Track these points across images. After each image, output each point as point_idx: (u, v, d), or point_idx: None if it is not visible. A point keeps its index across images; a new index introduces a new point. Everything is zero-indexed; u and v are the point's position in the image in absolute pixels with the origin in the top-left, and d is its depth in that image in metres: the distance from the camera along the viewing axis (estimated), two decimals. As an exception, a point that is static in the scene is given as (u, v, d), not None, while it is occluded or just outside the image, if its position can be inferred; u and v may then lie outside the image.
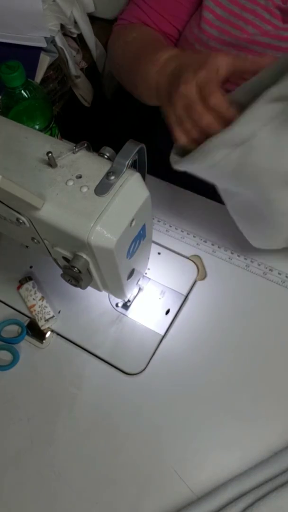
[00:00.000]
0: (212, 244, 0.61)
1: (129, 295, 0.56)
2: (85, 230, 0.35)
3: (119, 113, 1.04)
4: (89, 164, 0.37)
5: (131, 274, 0.45)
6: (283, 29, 0.57)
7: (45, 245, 0.42)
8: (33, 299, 0.57)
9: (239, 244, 0.60)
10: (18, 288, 0.59)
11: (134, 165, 0.40)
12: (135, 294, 0.57)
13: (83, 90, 0.93)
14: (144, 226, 0.41)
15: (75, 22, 0.86)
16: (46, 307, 0.57)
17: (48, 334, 0.56)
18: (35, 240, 0.42)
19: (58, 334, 0.56)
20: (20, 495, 0.49)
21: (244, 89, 0.44)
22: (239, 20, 0.58)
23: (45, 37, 0.77)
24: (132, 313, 0.57)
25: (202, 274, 0.59)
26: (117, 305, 0.57)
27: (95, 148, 0.40)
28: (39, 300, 0.57)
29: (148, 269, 0.58)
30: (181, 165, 0.46)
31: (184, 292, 0.58)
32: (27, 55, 0.76)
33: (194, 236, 0.62)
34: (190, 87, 0.42)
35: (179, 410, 0.51)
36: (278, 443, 0.49)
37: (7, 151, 0.39)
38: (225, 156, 0.42)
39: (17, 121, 0.42)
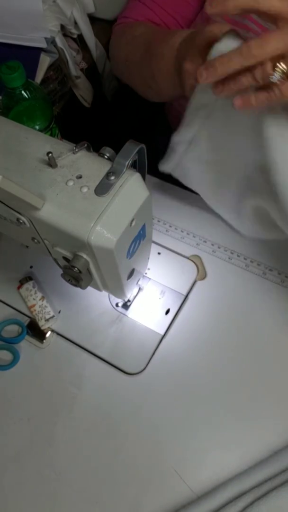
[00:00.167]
0: (212, 244, 0.61)
1: (129, 295, 0.56)
2: (85, 230, 0.35)
3: (119, 113, 1.04)
4: (89, 164, 0.38)
5: (131, 274, 0.46)
6: None
7: (45, 245, 0.42)
8: (33, 299, 0.57)
9: (239, 244, 0.60)
10: (19, 288, 0.59)
11: (134, 165, 0.40)
12: (135, 294, 0.58)
13: (83, 91, 0.93)
14: (144, 226, 0.41)
15: (75, 23, 0.86)
16: (46, 307, 0.57)
17: (48, 334, 0.56)
18: (35, 240, 0.42)
19: (58, 334, 0.56)
20: (20, 495, 0.49)
21: None
22: (245, 18, 0.57)
23: (45, 38, 0.77)
24: (132, 313, 0.57)
25: (202, 274, 0.59)
26: (117, 305, 0.58)
27: (95, 148, 0.40)
28: (39, 300, 0.57)
29: (148, 269, 0.58)
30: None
31: (184, 292, 0.58)
32: (27, 56, 0.76)
33: (194, 236, 0.62)
34: (214, 26, 0.42)
35: (179, 410, 0.51)
36: (277, 443, 0.49)
37: (7, 151, 0.39)
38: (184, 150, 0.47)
39: (17, 121, 0.42)
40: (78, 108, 0.93)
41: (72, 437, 0.51)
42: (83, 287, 0.41)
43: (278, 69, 0.37)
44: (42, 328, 0.56)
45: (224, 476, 0.48)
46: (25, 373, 0.55)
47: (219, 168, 0.52)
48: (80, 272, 0.38)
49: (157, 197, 0.65)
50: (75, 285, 0.40)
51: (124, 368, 0.54)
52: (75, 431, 0.51)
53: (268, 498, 0.44)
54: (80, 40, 0.90)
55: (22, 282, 0.59)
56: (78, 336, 0.56)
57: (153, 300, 0.58)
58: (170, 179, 0.67)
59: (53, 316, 0.56)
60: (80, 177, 0.37)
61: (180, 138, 0.50)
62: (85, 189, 0.36)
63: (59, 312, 0.58)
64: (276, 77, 0.37)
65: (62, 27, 0.82)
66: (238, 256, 0.60)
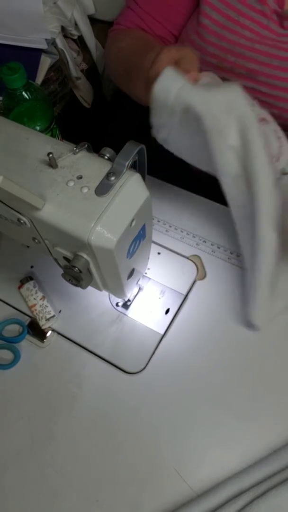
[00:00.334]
0: (212, 244, 0.61)
1: (129, 295, 0.56)
2: (86, 230, 0.35)
3: (119, 114, 1.04)
4: (89, 165, 0.38)
5: (131, 274, 0.46)
6: (282, 36, 0.56)
7: (46, 245, 0.42)
8: (34, 298, 0.58)
9: (239, 244, 0.60)
10: (19, 287, 0.59)
11: (134, 166, 0.40)
12: (135, 294, 0.58)
13: (84, 92, 0.93)
14: (144, 226, 0.41)
15: (76, 24, 0.86)
16: (47, 306, 0.57)
17: (48, 333, 0.56)
18: (36, 240, 0.42)
19: (58, 333, 0.57)
20: (21, 494, 0.49)
21: None
22: (236, 25, 0.57)
23: (45, 39, 0.77)
24: (132, 313, 0.57)
25: (201, 273, 0.60)
26: (117, 304, 0.58)
27: (95, 149, 0.40)
28: (40, 299, 0.57)
29: (148, 269, 0.59)
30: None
31: (184, 292, 0.58)
32: (28, 57, 0.77)
33: (194, 236, 0.62)
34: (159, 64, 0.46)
35: (179, 409, 0.52)
36: (277, 442, 0.49)
37: (8, 152, 0.39)
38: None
39: (18, 122, 0.42)
40: (78, 109, 0.94)
41: (72, 436, 0.51)
42: (84, 287, 0.41)
43: None
44: (43, 327, 0.56)
45: (224, 474, 0.48)
46: (26, 372, 0.55)
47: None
48: (80, 272, 0.38)
49: (157, 197, 0.65)
50: (76, 285, 0.40)
51: (124, 368, 0.54)
52: (75, 430, 0.51)
53: (267, 496, 0.44)
54: (80, 41, 0.90)
55: (22, 282, 0.59)
56: (78, 336, 0.56)
57: (153, 300, 0.58)
58: (170, 179, 0.67)
59: (53, 316, 0.57)
60: (80, 177, 0.37)
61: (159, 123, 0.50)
62: (85, 190, 0.36)
63: (60, 311, 0.58)
64: None
65: (63, 28, 0.82)
66: (237, 256, 0.60)
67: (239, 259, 0.60)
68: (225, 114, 0.44)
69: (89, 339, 0.56)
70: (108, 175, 0.36)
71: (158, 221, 0.64)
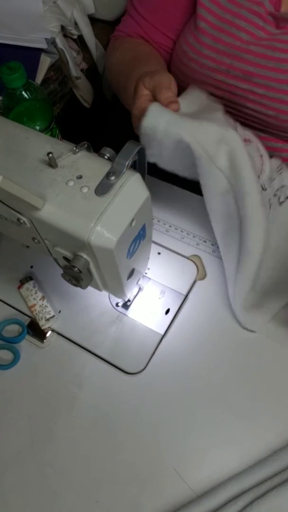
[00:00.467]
0: (212, 244, 0.61)
1: (129, 295, 0.56)
2: (86, 230, 0.35)
3: (119, 114, 1.04)
4: (89, 165, 0.38)
5: (131, 274, 0.46)
6: (278, 35, 0.57)
7: (45, 245, 0.42)
8: (34, 298, 0.57)
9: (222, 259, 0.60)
10: (19, 287, 0.59)
11: (134, 166, 0.40)
12: (135, 294, 0.58)
13: (84, 91, 0.93)
14: (144, 226, 0.41)
15: (76, 24, 0.86)
16: (47, 306, 0.57)
17: (48, 333, 0.56)
18: (36, 240, 0.42)
19: (58, 333, 0.57)
20: (21, 494, 0.49)
21: None
22: (232, 27, 0.57)
23: (45, 39, 0.77)
24: (132, 313, 0.57)
25: (201, 274, 0.60)
26: (117, 304, 0.58)
27: (95, 148, 0.40)
28: (40, 299, 0.57)
29: (148, 269, 0.59)
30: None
31: (184, 292, 0.58)
32: (27, 56, 0.76)
33: (194, 236, 0.62)
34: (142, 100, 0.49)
35: (179, 409, 0.52)
36: (277, 442, 0.49)
37: (8, 151, 0.39)
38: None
39: (17, 122, 0.42)
40: (78, 109, 0.93)
41: (72, 437, 0.51)
42: (83, 287, 0.41)
43: None
44: (43, 327, 0.56)
45: (224, 475, 0.48)
46: (26, 372, 0.55)
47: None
48: (80, 272, 0.38)
49: (157, 197, 0.65)
50: (75, 285, 0.40)
51: (124, 368, 0.54)
52: (75, 431, 0.51)
53: (268, 497, 0.44)
54: (80, 41, 0.90)
55: (22, 282, 0.59)
56: (78, 336, 0.56)
57: (153, 300, 0.58)
58: (170, 179, 0.67)
59: (53, 316, 0.57)
60: (80, 177, 0.37)
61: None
62: (85, 189, 0.36)
63: (60, 311, 0.58)
64: None
65: (63, 28, 0.82)
66: (238, 256, 0.60)
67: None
68: (213, 142, 0.46)
69: (89, 339, 0.56)
70: (108, 175, 0.36)
71: (158, 221, 0.64)
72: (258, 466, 0.47)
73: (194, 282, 0.59)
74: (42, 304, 0.57)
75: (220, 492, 0.46)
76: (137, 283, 0.54)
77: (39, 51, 0.78)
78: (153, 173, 0.61)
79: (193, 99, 0.52)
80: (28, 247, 0.48)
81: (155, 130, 0.45)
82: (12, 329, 0.57)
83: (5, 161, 0.39)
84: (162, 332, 0.56)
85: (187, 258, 0.61)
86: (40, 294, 0.58)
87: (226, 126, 0.47)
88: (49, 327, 0.57)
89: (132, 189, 0.37)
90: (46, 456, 0.50)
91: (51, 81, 0.84)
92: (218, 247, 0.61)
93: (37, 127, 0.58)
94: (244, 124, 0.63)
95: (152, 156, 0.49)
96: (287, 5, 0.56)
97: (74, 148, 0.38)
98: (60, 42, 0.81)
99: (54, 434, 0.51)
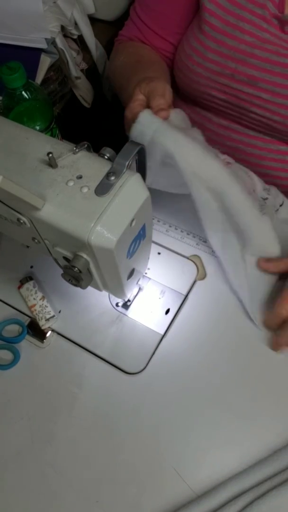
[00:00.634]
0: (212, 244, 0.61)
1: (129, 295, 0.56)
2: (86, 230, 0.35)
3: (119, 114, 1.04)
4: (89, 165, 0.38)
5: (131, 274, 0.46)
6: (283, 40, 0.56)
7: (45, 245, 0.42)
8: (34, 298, 0.57)
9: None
10: (19, 287, 0.59)
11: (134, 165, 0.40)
12: (135, 294, 0.58)
13: (83, 91, 0.93)
14: (144, 226, 0.41)
15: (76, 24, 0.86)
16: (47, 306, 0.57)
17: (48, 333, 0.56)
18: (36, 240, 0.42)
19: (58, 333, 0.57)
20: (21, 494, 0.49)
21: None
22: (236, 30, 0.57)
23: (45, 39, 0.77)
24: (132, 313, 0.57)
25: (201, 274, 0.60)
26: (117, 304, 0.58)
27: (95, 148, 0.40)
28: (40, 299, 0.57)
29: (148, 269, 0.59)
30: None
31: (184, 292, 0.58)
32: (27, 56, 0.76)
33: (194, 236, 0.62)
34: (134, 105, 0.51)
35: (179, 409, 0.52)
36: (277, 442, 0.49)
37: (8, 151, 0.39)
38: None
39: (17, 122, 0.42)
40: (78, 109, 0.93)
41: (72, 437, 0.51)
42: (83, 287, 0.41)
43: None
44: (43, 327, 0.56)
45: (224, 475, 0.48)
46: (26, 372, 0.55)
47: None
48: (80, 272, 0.38)
49: (157, 197, 0.65)
50: (75, 285, 0.40)
51: (124, 368, 0.54)
52: (75, 431, 0.51)
53: (268, 497, 0.44)
54: (80, 41, 0.90)
55: (22, 282, 0.59)
56: (78, 336, 0.56)
57: (153, 300, 0.58)
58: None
59: (53, 316, 0.57)
60: (80, 177, 0.37)
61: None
62: (85, 189, 0.36)
63: (59, 311, 0.58)
64: None
65: (63, 28, 0.82)
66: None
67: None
68: (196, 157, 0.48)
69: (89, 339, 0.56)
70: (108, 175, 0.36)
71: (158, 221, 0.64)
72: (258, 466, 0.47)
73: (194, 282, 0.59)
74: (42, 304, 0.57)
75: (220, 492, 0.46)
76: (137, 283, 0.54)
77: (39, 51, 0.78)
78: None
79: (181, 117, 0.53)
80: (28, 247, 0.48)
81: (142, 139, 0.47)
82: (12, 329, 0.57)
83: (5, 161, 0.39)
84: (162, 332, 0.56)
85: (187, 258, 0.61)
86: (40, 294, 0.58)
87: (206, 152, 0.49)
88: (49, 327, 0.57)
89: (132, 189, 0.37)
90: (46, 456, 0.50)
91: (51, 81, 0.84)
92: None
93: (37, 127, 0.58)
94: (249, 128, 0.64)
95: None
96: None
97: (74, 148, 0.38)
98: (60, 42, 0.81)
99: (54, 434, 0.51)
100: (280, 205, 0.58)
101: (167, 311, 0.57)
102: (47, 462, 0.50)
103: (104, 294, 0.58)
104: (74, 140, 0.45)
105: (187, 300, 0.58)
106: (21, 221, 0.38)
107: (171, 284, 0.59)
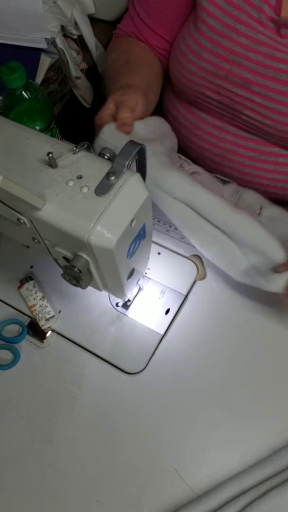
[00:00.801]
0: (212, 244, 0.61)
1: (129, 295, 0.56)
2: (86, 230, 0.35)
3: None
4: (89, 165, 0.38)
5: (131, 274, 0.46)
6: (277, 47, 0.56)
7: (45, 245, 0.42)
8: (34, 298, 0.57)
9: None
10: (19, 287, 0.59)
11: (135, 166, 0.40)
12: (135, 294, 0.58)
13: (84, 91, 0.93)
14: (144, 226, 0.41)
15: (76, 24, 0.86)
16: (47, 306, 0.57)
17: (48, 333, 0.56)
18: (36, 240, 0.42)
19: (58, 333, 0.57)
20: (21, 494, 0.49)
21: None
22: (232, 31, 0.57)
23: (45, 38, 0.77)
24: (132, 313, 0.57)
25: (201, 274, 0.60)
26: (117, 304, 0.58)
27: (95, 148, 0.40)
28: (40, 299, 0.57)
29: (148, 269, 0.59)
30: None
31: (184, 292, 0.58)
32: (27, 56, 0.76)
33: (194, 236, 0.62)
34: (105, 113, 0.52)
35: (179, 409, 0.52)
36: (277, 442, 0.49)
37: (8, 151, 0.39)
38: None
39: (17, 122, 0.42)
40: (78, 109, 0.93)
41: (72, 437, 0.51)
42: (83, 287, 0.41)
43: None
44: (43, 327, 0.56)
45: (224, 475, 0.48)
46: (26, 372, 0.55)
47: None
48: (80, 272, 0.38)
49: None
50: (75, 285, 0.40)
51: (124, 368, 0.54)
52: (75, 431, 0.51)
53: (268, 497, 0.44)
54: (80, 41, 0.90)
55: (22, 282, 0.59)
56: (78, 336, 0.56)
57: (153, 300, 0.58)
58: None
59: (53, 316, 0.57)
60: (80, 177, 0.37)
61: None
62: (85, 189, 0.36)
63: (59, 311, 0.58)
64: None
65: (63, 28, 0.82)
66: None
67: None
68: (158, 170, 0.48)
69: (89, 339, 0.56)
70: (108, 175, 0.36)
71: (158, 221, 0.64)
72: (258, 466, 0.47)
73: (194, 282, 0.59)
74: (42, 304, 0.57)
75: (220, 492, 0.46)
76: (137, 283, 0.54)
77: (39, 51, 0.77)
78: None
79: (152, 123, 0.54)
80: (28, 247, 0.48)
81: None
82: (12, 329, 0.57)
83: (5, 161, 0.39)
84: (162, 332, 0.56)
85: (187, 258, 0.61)
86: (40, 294, 0.58)
87: (166, 163, 0.49)
88: (49, 327, 0.57)
89: (132, 189, 0.37)
90: (46, 456, 0.50)
91: (51, 81, 0.83)
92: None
93: (37, 127, 0.58)
94: (243, 130, 0.63)
95: None
96: (287, 9, 0.56)
97: (74, 148, 0.38)
98: (60, 42, 0.81)
99: (54, 434, 0.51)
100: (261, 208, 0.58)
101: (167, 311, 0.57)
102: (47, 462, 0.50)
103: (104, 294, 0.58)
104: (74, 140, 0.45)
105: (187, 300, 0.58)
106: (21, 221, 0.38)
107: (171, 284, 0.59)
